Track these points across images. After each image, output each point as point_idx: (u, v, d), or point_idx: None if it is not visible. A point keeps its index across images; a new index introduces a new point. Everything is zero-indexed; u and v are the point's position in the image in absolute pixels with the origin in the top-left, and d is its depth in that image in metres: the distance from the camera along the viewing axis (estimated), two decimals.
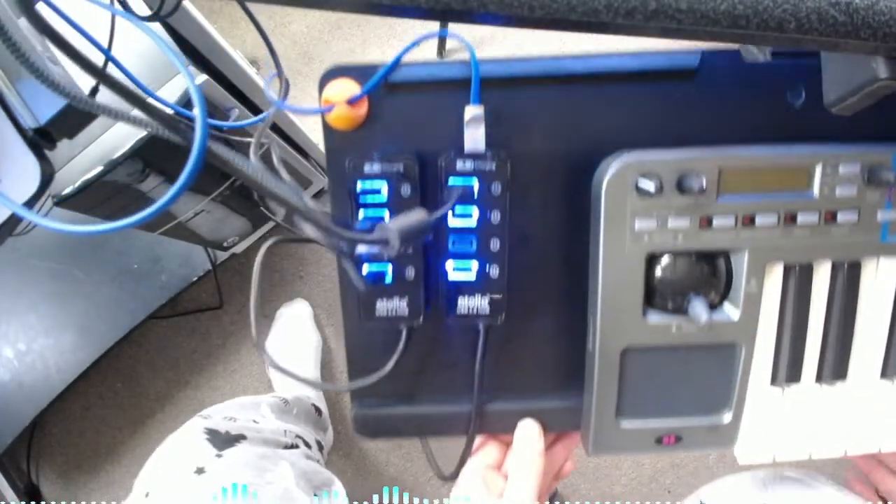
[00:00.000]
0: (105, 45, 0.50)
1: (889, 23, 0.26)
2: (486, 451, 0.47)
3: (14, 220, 0.50)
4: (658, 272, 0.41)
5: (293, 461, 0.68)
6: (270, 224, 1.12)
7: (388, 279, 0.42)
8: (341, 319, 0.45)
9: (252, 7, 0.55)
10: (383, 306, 0.43)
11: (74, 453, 1.26)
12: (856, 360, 0.43)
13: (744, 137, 0.41)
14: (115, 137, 0.65)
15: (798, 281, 0.41)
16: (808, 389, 0.43)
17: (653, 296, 0.41)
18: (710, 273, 0.41)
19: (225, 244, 1.09)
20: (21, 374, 1.13)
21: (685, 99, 0.42)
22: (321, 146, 0.42)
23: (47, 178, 0.47)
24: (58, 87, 0.21)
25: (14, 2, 0.19)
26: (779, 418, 0.43)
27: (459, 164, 0.40)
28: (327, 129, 0.41)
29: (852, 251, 0.41)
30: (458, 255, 0.42)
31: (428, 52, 1.21)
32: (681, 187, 0.38)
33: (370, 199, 0.41)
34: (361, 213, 0.41)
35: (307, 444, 0.80)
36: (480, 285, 0.43)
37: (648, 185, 0.38)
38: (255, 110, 0.79)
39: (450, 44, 1.24)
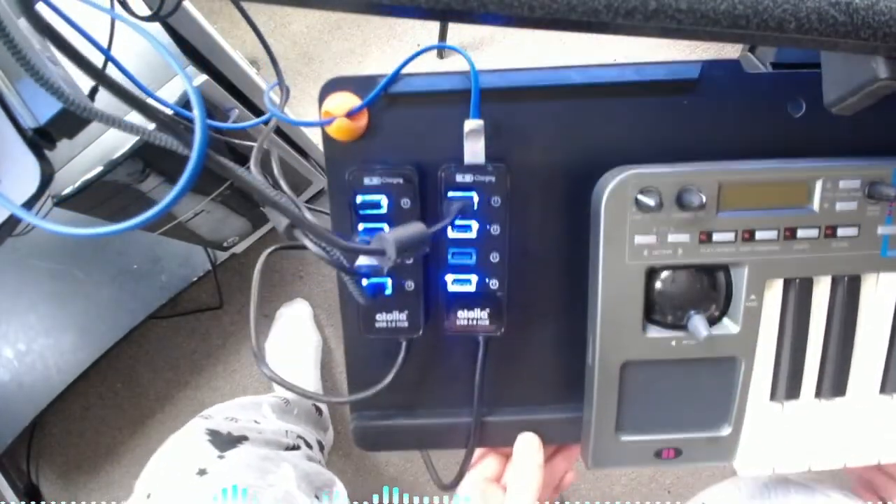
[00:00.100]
0: (105, 45, 0.50)
1: (889, 23, 0.26)
2: (485, 464, 0.47)
3: (14, 220, 0.50)
4: (658, 286, 0.40)
5: (295, 462, 0.68)
6: (270, 224, 1.12)
7: (388, 291, 0.42)
8: (341, 320, 0.45)
9: (252, 7, 0.55)
10: (383, 319, 0.43)
11: (74, 453, 1.26)
12: (855, 375, 0.43)
13: (744, 148, 0.41)
14: (115, 137, 0.65)
15: (798, 296, 0.41)
16: (808, 405, 0.43)
17: (652, 310, 0.41)
18: (709, 287, 0.41)
19: (225, 244, 1.09)
20: (21, 374, 1.13)
21: (685, 110, 0.42)
22: (321, 146, 0.42)
23: (47, 179, 0.47)
24: (57, 92, 0.21)
25: (14, 2, 0.19)
26: (778, 432, 0.43)
27: (459, 177, 0.40)
28: (327, 140, 0.41)
29: (852, 266, 0.41)
30: (457, 268, 0.42)
31: (428, 54, 1.20)
32: (680, 202, 0.38)
33: (370, 211, 0.41)
34: (361, 226, 0.41)
35: (308, 445, 0.80)
36: (480, 297, 0.43)
37: (648, 200, 0.38)
38: (255, 110, 0.79)
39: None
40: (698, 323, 0.39)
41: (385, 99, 0.41)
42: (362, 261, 0.36)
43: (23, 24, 0.38)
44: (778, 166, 0.39)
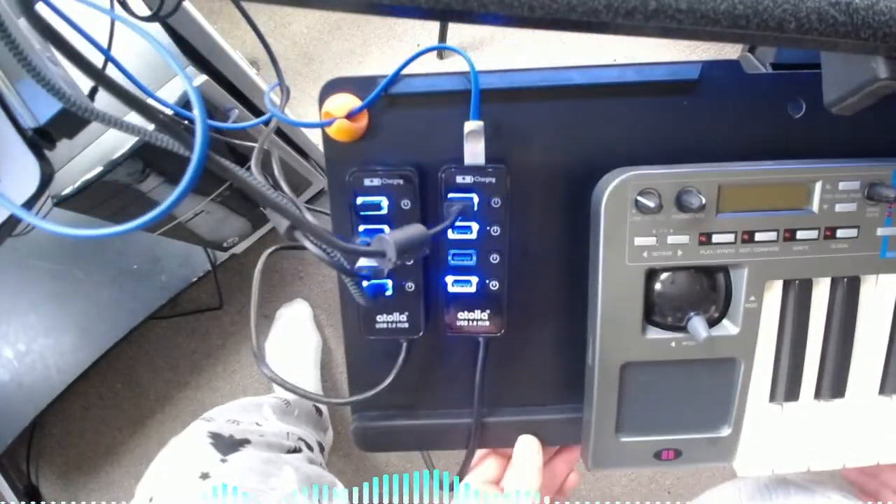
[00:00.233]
0: (105, 45, 0.50)
1: (889, 23, 0.26)
2: (485, 466, 0.47)
3: (14, 220, 0.50)
4: (658, 288, 0.41)
5: (296, 465, 0.68)
6: (270, 225, 1.12)
7: (389, 293, 0.42)
8: (341, 320, 0.45)
9: (252, 7, 0.55)
10: (384, 320, 0.43)
11: (74, 453, 1.26)
12: (854, 376, 0.43)
13: (744, 149, 0.41)
14: (115, 137, 0.65)
15: (797, 297, 0.41)
16: (807, 406, 0.43)
17: (652, 311, 0.41)
18: (709, 289, 0.41)
19: (225, 244, 1.09)
20: (21, 375, 1.13)
21: (685, 110, 0.42)
22: (321, 147, 0.42)
23: (47, 179, 0.47)
24: (58, 92, 0.21)
25: (14, 2, 0.19)
26: (778, 433, 0.43)
27: (459, 178, 0.40)
28: (328, 141, 0.41)
29: (852, 267, 0.41)
30: (458, 269, 0.42)
31: (428, 54, 1.20)
32: (680, 204, 0.38)
33: (370, 212, 0.41)
34: (362, 227, 0.41)
35: (309, 447, 0.80)
36: (480, 298, 0.43)
37: (648, 202, 0.38)
38: (255, 110, 0.79)
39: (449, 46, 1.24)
40: (698, 324, 0.39)
41: (385, 100, 0.41)
42: (363, 262, 0.36)
43: (23, 24, 0.38)
44: (777, 168, 0.39)
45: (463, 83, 0.40)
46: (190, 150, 0.20)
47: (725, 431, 0.43)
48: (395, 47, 1.30)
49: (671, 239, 0.39)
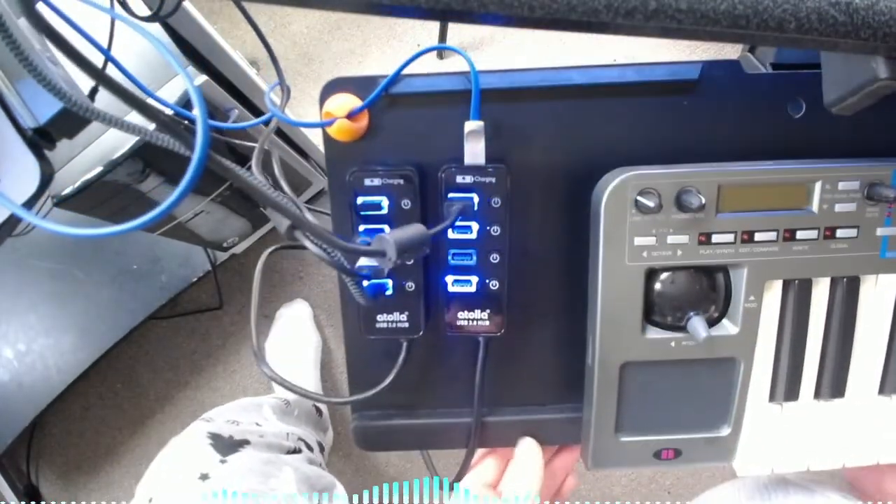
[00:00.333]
0: (105, 45, 0.50)
1: (889, 23, 0.26)
2: (484, 466, 0.47)
3: (14, 220, 0.50)
4: (657, 287, 0.41)
5: (296, 466, 0.68)
6: (270, 225, 1.12)
7: (389, 292, 0.42)
8: (341, 320, 0.45)
9: (252, 7, 0.55)
10: (384, 319, 0.43)
11: (74, 454, 1.26)
12: (854, 376, 0.43)
13: (744, 149, 0.41)
14: (115, 137, 0.65)
15: (797, 297, 0.41)
16: (807, 406, 0.43)
17: (652, 311, 0.41)
18: (709, 289, 0.41)
19: (225, 245, 1.09)
20: (21, 375, 1.13)
21: (685, 110, 0.42)
22: (321, 147, 0.42)
23: (47, 179, 0.47)
24: (58, 92, 0.21)
25: (15, 2, 0.19)
26: (777, 432, 0.43)
27: (459, 178, 0.40)
28: (328, 141, 0.41)
29: (851, 267, 0.41)
30: (458, 269, 0.42)
31: (428, 54, 1.20)
32: (680, 204, 0.38)
33: (371, 212, 0.41)
34: (362, 227, 0.41)
35: (309, 448, 0.80)
36: (480, 298, 0.43)
37: (648, 202, 0.38)
38: (255, 111, 0.79)
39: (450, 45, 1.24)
40: (697, 324, 0.39)
41: (385, 100, 0.41)
42: (363, 262, 0.36)
43: (23, 23, 0.38)
44: (777, 168, 0.39)
45: (463, 83, 0.40)
46: (190, 150, 0.20)
47: (725, 431, 0.43)
48: (395, 47, 1.30)
49: (671, 239, 0.39)
